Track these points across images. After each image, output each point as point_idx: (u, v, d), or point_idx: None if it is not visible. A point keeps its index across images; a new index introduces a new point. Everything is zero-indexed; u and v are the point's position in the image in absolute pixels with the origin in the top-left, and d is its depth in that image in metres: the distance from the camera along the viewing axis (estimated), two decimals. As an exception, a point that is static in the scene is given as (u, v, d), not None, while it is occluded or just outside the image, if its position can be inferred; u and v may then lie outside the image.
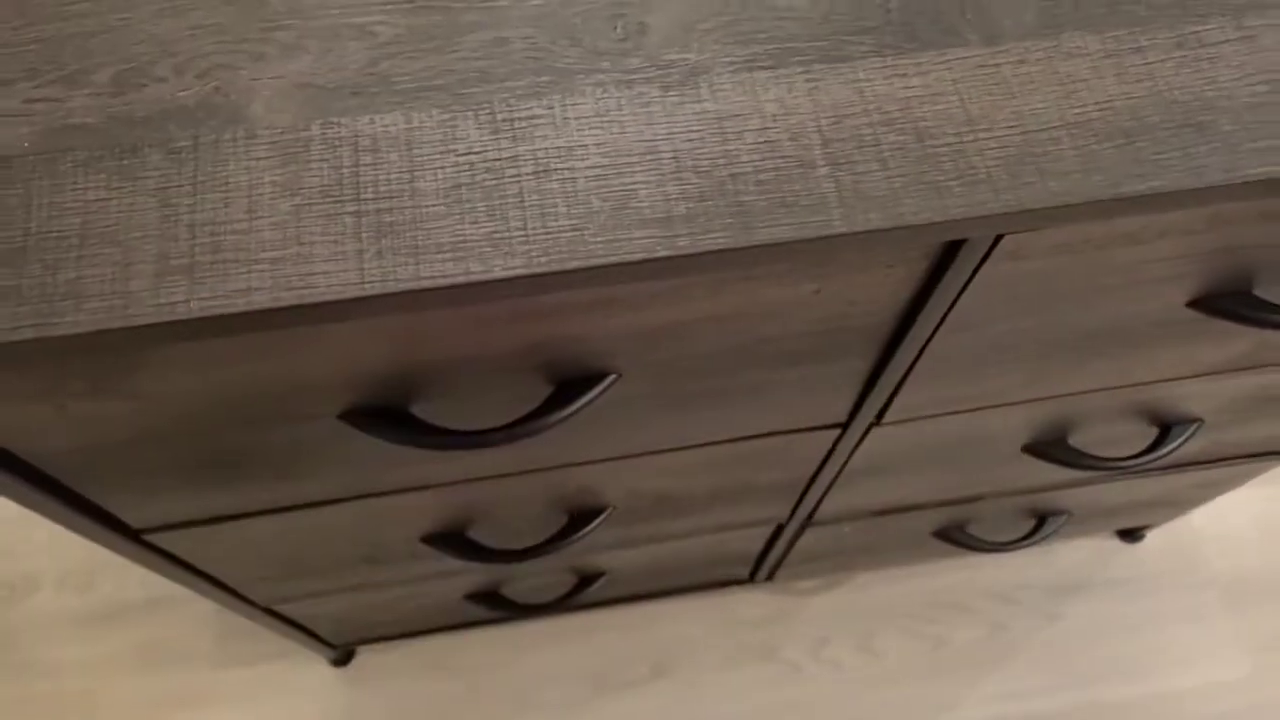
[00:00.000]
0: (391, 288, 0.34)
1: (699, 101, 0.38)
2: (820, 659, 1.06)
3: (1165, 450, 0.70)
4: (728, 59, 0.38)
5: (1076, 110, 0.37)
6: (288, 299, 0.34)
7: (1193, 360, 0.58)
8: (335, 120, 0.37)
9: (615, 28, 0.39)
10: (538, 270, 0.35)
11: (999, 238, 0.40)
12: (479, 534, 0.66)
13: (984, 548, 0.92)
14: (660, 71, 0.38)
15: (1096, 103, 0.37)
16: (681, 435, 0.56)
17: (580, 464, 0.57)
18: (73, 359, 0.37)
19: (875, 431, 0.60)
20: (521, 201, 0.36)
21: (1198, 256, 0.45)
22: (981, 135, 0.37)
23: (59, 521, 0.48)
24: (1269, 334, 0.56)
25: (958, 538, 0.91)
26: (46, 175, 0.35)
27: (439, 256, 0.35)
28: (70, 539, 1.07)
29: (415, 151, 0.36)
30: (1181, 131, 0.37)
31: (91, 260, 0.34)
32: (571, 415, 0.45)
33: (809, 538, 0.85)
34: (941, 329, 0.47)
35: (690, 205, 0.36)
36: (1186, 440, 0.71)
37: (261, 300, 0.34)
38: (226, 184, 0.36)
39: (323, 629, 0.89)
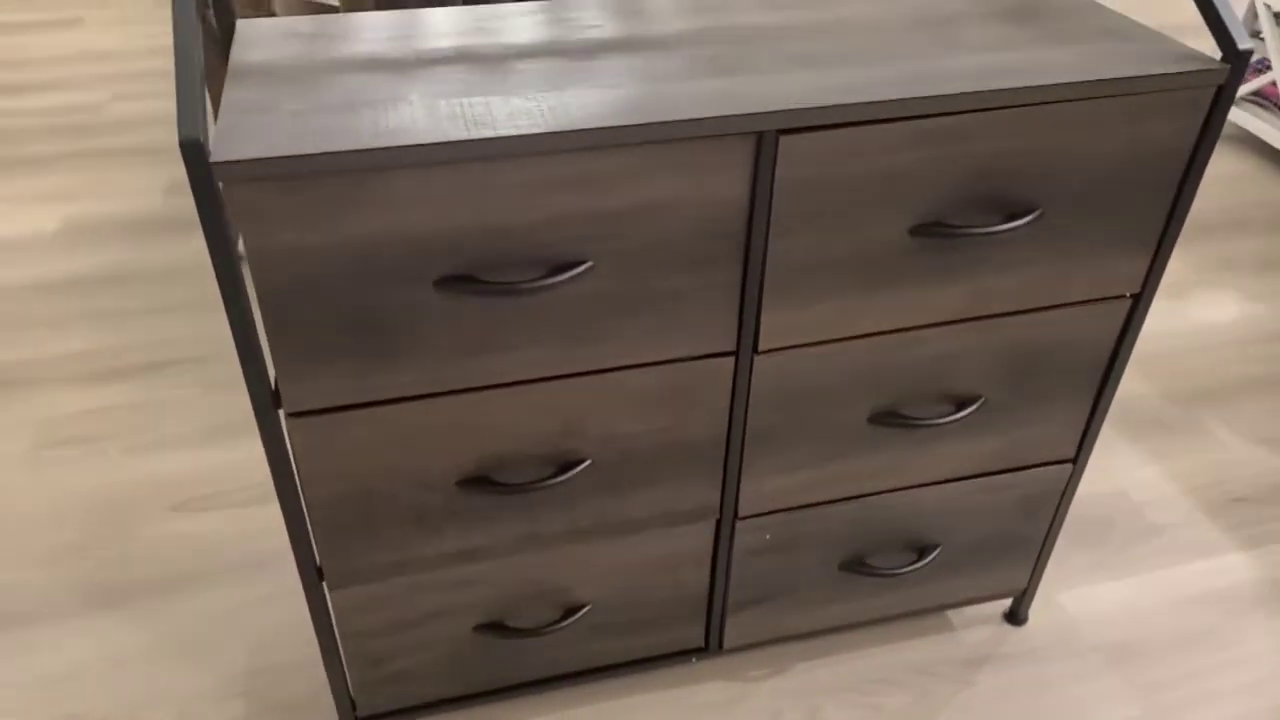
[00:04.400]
0: (483, 134, 0.71)
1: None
2: (777, 728, 1.22)
3: (962, 414, 1.03)
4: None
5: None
6: (445, 138, 0.71)
7: (934, 302, 0.94)
8: (451, 99, 0.77)
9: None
10: (547, 130, 0.73)
11: (778, 138, 0.79)
12: (500, 477, 0.94)
13: (882, 574, 1.17)
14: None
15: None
16: (631, 350, 0.88)
17: (568, 376, 0.88)
18: (320, 181, 0.71)
19: (757, 362, 0.93)
20: (542, 119, 0.75)
21: (902, 178, 0.85)
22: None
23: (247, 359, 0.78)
24: (976, 278, 0.94)
25: (861, 569, 1.17)
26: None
27: (500, 129, 0.73)
28: (111, 683, 1.23)
29: (493, 109, 0.76)
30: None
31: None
32: (564, 282, 0.80)
33: (741, 557, 1.10)
34: (771, 233, 0.84)
35: (612, 116, 0.75)
36: (977, 409, 1.04)
37: (423, 138, 0.71)
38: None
39: (356, 672, 1.07)
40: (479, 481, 0.93)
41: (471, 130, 0.72)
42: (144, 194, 2.28)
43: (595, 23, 0.93)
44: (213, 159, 0.66)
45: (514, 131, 0.72)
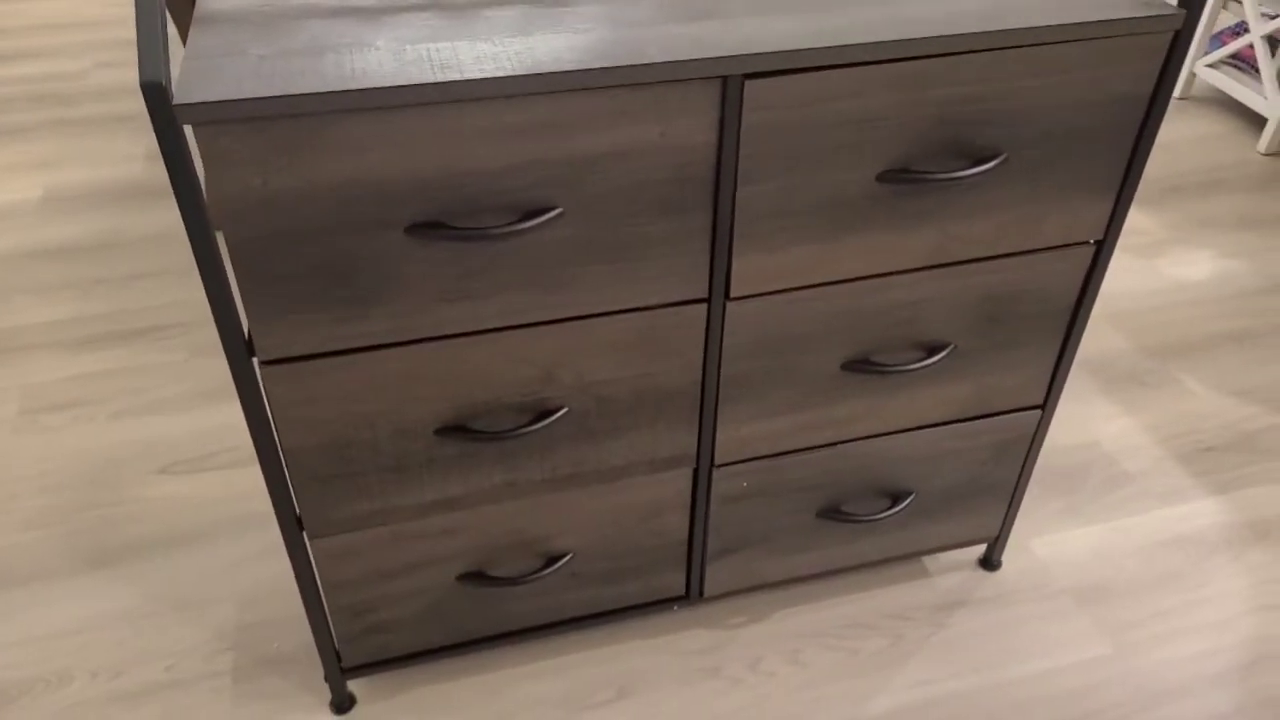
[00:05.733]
0: (449, 77, 0.72)
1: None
2: (757, 672, 1.25)
3: (933, 360, 1.05)
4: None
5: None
6: (409, 81, 0.72)
7: (904, 248, 0.96)
8: (418, 44, 0.78)
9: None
10: (512, 73, 0.74)
11: (744, 83, 0.80)
12: (477, 425, 0.95)
13: (858, 520, 1.19)
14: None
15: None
16: (604, 297, 0.90)
17: (541, 323, 0.90)
18: (284, 124, 0.73)
19: (730, 308, 0.95)
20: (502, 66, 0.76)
21: (868, 124, 0.86)
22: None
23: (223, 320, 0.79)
24: (944, 223, 0.96)
25: (837, 516, 1.19)
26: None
27: (466, 73, 0.74)
28: (101, 639, 1.25)
29: (460, 53, 0.77)
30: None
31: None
32: (534, 228, 0.81)
33: (719, 505, 1.12)
34: (740, 179, 0.86)
35: (579, 61, 0.76)
36: (947, 356, 1.06)
37: (388, 81, 0.72)
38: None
39: (340, 623, 1.09)
40: (457, 430, 0.95)
41: (438, 74, 0.73)
42: (127, 161, 2.27)
43: (564, -27, 0.94)
44: (175, 101, 0.67)
45: (480, 75, 0.73)
